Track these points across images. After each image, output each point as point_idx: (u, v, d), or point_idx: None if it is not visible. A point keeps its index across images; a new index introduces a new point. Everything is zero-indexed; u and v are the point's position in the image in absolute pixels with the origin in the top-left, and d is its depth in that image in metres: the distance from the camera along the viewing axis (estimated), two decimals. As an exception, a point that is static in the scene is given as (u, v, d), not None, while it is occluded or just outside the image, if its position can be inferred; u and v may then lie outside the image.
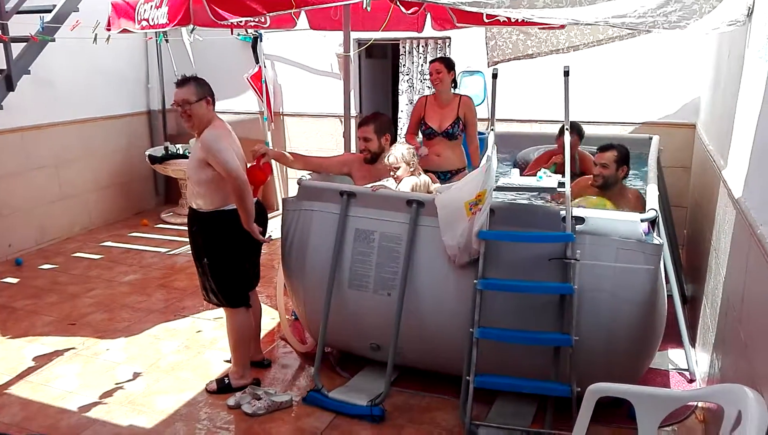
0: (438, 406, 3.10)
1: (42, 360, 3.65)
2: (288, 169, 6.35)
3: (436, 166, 4.05)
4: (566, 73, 3.12)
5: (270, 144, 6.38)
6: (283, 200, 3.48)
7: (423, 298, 3.03)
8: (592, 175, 3.71)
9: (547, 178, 3.85)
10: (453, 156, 4.13)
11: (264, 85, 6.24)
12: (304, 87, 6.53)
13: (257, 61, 6.31)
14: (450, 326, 2.95)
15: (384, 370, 3.06)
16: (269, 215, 3.62)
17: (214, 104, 3.12)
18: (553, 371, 2.75)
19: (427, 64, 6.01)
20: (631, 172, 4.34)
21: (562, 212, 2.83)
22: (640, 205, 3.63)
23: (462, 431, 2.85)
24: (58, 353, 3.73)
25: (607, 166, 3.56)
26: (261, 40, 6.28)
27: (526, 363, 2.84)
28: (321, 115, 6.46)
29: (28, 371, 3.53)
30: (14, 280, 4.97)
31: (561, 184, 3.42)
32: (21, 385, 3.39)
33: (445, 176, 4.06)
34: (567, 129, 3.18)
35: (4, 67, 4.22)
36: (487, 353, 2.77)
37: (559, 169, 4.33)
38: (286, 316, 3.85)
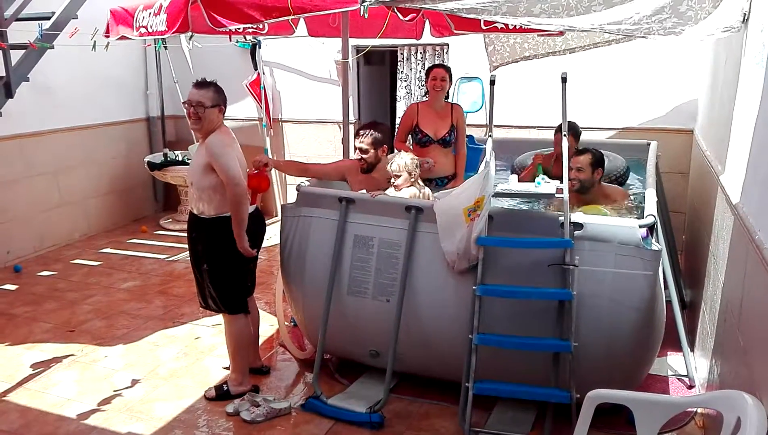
0: (437, 413, 3.09)
1: (40, 367, 3.64)
2: (287, 175, 6.36)
3: (434, 172, 4.07)
4: (564, 80, 3.13)
5: (269, 150, 6.40)
6: (282, 207, 3.49)
7: (422, 305, 3.02)
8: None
9: (546, 185, 3.86)
10: (448, 162, 4.16)
11: (263, 92, 6.26)
12: (302, 93, 6.54)
13: (256, 68, 6.33)
14: (449, 332, 2.95)
15: (383, 376, 3.05)
16: (268, 221, 3.63)
17: (224, 113, 3.14)
18: (553, 377, 2.75)
19: (425, 70, 6.04)
20: (631, 175, 4.37)
21: (561, 218, 2.83)
22: (625, 197, 3.62)
23: (461, 437, 2.83)
24: (56, 360, 3.72)
25: (583, 170, 3.55)
26: (260, 47, 6.31)
27: (526, 369, 2.84)
28: (320, 121, 6.48)
29: (27, 378, 3.51)
30: (13, 287, 4.96)
31: (559, 191, 3.43)
32: (19, 392, 3.38)
33: (441, 182, 4.09)
34: (565, 135, 3.18)
35: (3, 74, 4.21)
36: (486, 359, 2.77)
37: (546, 171, 4.36)
38: (285, 323, 3.85)
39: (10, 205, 5.44)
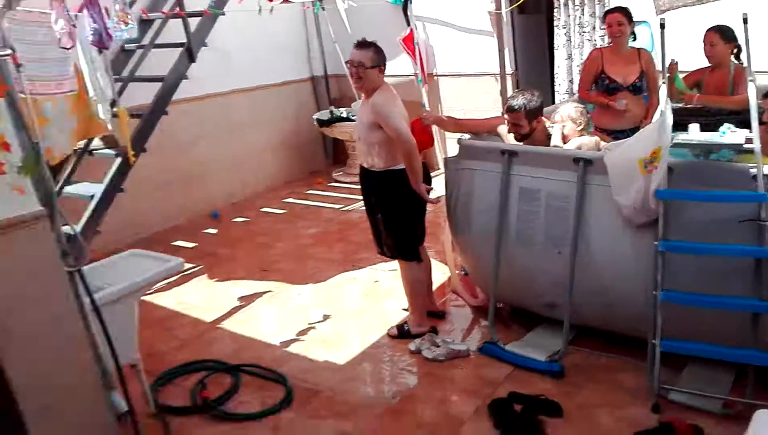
0: (619, 367, 3.01)
1: (245, 301, 4.17)
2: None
3: (626, 122, 3.91)
4: (745, 21, 2.87)
5: (426, 105, 6.53)
6: (445, 160, 3.54)
7: (597, 258, 2.98)
8: None
9: (731, 134, 3.58)
10: (640, 111, 3.96)
11: (417, 47, 6.31)
12: (456, 47, 6.52)
13: (408, 24, 6.36)
14: (628, 287, 2.89)
15: (559, 327, 3.08)
16: (432, 174, 3.73)
17: (384, 72, 3.27)
18: (752, 338, 2.60)
19: (585, 15, 5.72)
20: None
21: (753, 170, 2.64)
22: None
23: (647, 394, 2.73)
24: (257, 295, 4.23)
25: None
26: (411, 2, 6.29)
27: (719, 329, 2.70)
28: (475, 74, 6.45)
29: (235, 310, 4.05)
30: (214, 231, 5.68)
31: (749, 141, 3.16)
32: (230, 320, 3.91)
33: (632, 132, 3.86)
34: (752, 80, 2.89)
35: (185, 40, 4.33)
36: (672, 316, 2.67)
37: (698, 84, 3.94)
38: (456, 271, 4.00)
39: (208, 159, 6.13)
